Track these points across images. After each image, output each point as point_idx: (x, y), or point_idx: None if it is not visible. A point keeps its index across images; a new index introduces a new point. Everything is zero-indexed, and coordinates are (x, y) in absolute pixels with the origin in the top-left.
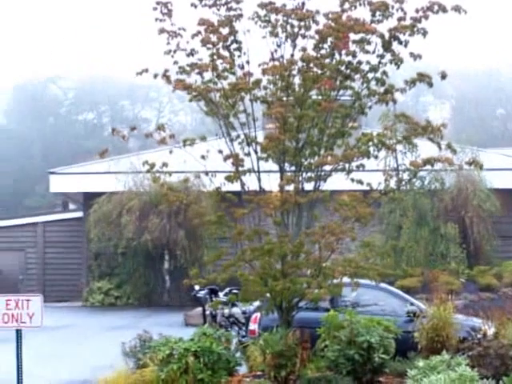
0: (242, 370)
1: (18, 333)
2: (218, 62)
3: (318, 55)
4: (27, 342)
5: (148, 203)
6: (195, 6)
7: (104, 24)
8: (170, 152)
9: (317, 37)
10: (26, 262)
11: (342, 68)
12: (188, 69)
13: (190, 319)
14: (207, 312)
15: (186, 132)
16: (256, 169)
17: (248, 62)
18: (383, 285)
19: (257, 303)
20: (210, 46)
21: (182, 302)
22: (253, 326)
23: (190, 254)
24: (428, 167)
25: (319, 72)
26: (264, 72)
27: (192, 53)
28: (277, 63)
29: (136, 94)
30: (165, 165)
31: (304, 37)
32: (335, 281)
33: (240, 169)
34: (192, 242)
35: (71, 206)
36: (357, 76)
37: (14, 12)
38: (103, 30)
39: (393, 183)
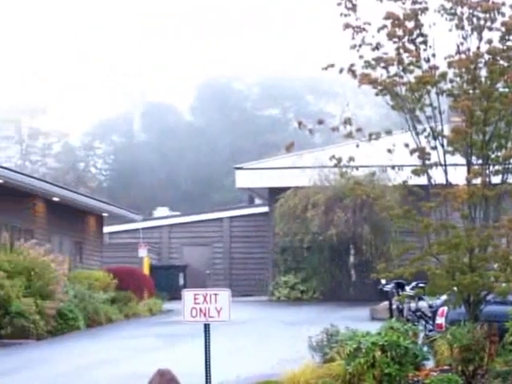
0: (429, 364)
1: (206, 327)
2: (404, 55)
3: (505, 47)
4: (214, 336)
5: (333, 197)
6: (381, 0)
7: (283, 21)
8: (357, 146)
9: (503, 29)
10: (212, 256)
11: None
12: (373, 63)
13: (376, 313)
14: (394, 306)
15: (370, 126)
16: (442, 162)
17: (434, 55)
18: None
19: (444, 297)
20: (395, 39)
21: (368, 296)
22: (440, 320)
23: (376, 248)
24: None
25: (506, 64)
26: (450, 65)
27: (377, 47)
28: (463, 56)
29: (320, 89)
30: (351, 159)
31: (490, 29)
32: None
33: (426, 162)
34: (377, 236)
35: (256, 201)
36: None
37: (196, 12)
38: (285, 27)
39: None
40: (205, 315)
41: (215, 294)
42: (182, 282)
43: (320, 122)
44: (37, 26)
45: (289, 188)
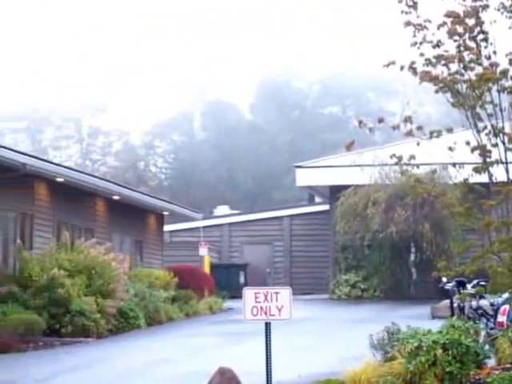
0: (491, 362)
1: (267, 325)
2: (465, 53)
3: None
4: (275, 335)
5: (393, 195)
6: None
7: (344, 18)
8: (418, 144)
9: None
10: (273, 254)
11: None
12: (434, 60)
13: (436, 311)
14: (455, 304)
15: (430, 124)
16: (504, 160)
17: (495, 53)
18: None
19: (505, 295)
20: (456, 37)
21: (428, 295)
22: (501, 318)
23: (436, 246)
24: None
25: None
26: (511, 62)
27: (438, 44)
28: None
29: (381, 87)
30: (412, 157)
31: None
32: None
33: (487, 160)
34: (438, 234)
35: (317, 199)
36: None
37: (257, 10)
38: (346, 24)
39: None
40: (266, 314)
41: (276, 293)
42: (242, 280)
43: (380, 121)
44: (45, 25)
45: (349, 186)
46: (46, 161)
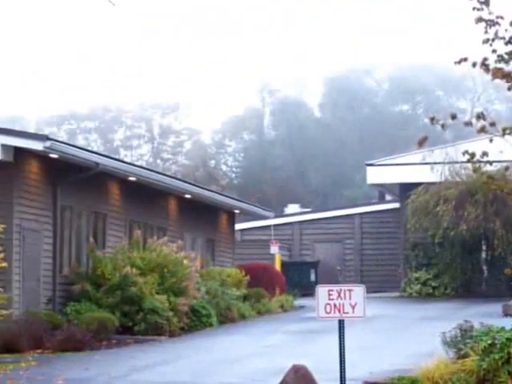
0: None
1: (341, 323)
2: None
3: None
4: (346, 332)
5: (464, 193)
6: None
7: (414, 16)
8: (491, 141)
9: None
10: (343, 252)
11: None
12: (507, 57)
13: (508, 309)
14: None
15: (501, 121)
16: None
17: None
18: None
19: None
20: None
21: (500, 292)
22: None
23: (508, 243)
24: None
25: None
26: None
27: (510, 41)
28: None
29: (450, 84)
30: (485, 154)
31: None
32: None
33: None
34: (509, 231)
35: (387, 197)
36: None
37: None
38: (413, 22)
39: None
40: (339, 311)
41: (349, 290)
42: (313, 278)
43: (453, 117)
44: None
45: (419, 184)
46: (118, 160)
